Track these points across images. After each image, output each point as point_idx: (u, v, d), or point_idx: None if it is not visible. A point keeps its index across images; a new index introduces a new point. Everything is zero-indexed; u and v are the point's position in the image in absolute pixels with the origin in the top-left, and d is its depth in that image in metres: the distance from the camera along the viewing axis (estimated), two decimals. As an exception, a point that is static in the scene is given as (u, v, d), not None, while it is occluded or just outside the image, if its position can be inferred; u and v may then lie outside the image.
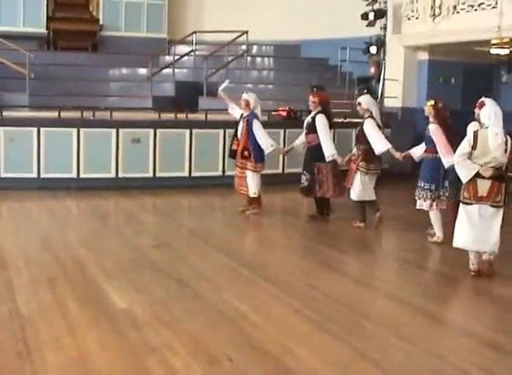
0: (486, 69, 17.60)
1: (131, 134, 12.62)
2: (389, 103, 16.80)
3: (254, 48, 21.06)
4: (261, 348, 5.41)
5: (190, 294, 6.84)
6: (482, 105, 7.72)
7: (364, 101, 10.22)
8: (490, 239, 7.61)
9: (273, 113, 14.68)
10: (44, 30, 19.56)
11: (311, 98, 10.40)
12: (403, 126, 16.39)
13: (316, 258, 8.65)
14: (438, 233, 9.42)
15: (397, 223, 10.35)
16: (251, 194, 10.72)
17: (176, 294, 6.81)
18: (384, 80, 16.93)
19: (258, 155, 10.61)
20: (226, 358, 5.18)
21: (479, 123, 7.71)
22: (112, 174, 12.75)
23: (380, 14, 16.76)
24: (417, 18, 16.04)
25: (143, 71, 18.67)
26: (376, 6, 16.85)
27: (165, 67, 18.59)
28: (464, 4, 14.74)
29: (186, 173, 13.26)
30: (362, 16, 16.90)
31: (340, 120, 14.99)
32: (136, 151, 12.75)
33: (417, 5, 15.96)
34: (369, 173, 10.11)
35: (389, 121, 15.60)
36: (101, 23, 20.34)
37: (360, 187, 10.08)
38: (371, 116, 10.10)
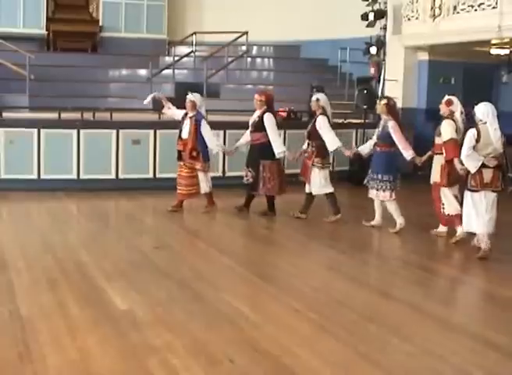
0: (486, 69, 17.59)
1: (131, 135, 12.62)
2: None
3: (254, 49, 21.05)
4: (262, 348, 5.41)
5: (191, 295, 6.83)
6: (450, 102, 9.57)
7: (322, 98, 10.60)
8: (492, 221, 8.68)
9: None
10: (43, 31, 19.56)
11: (258, 97, 10.59)
12: (403, 126, 16.36)
13: (316, 258, 8.65)
14: (399, 220, 10.03)
15: (395, 223, 10.33)
16: (204, 191, 10.82)
17: (177, 295, 6.80)
18: (384, 80, 16.92)
19: (206, 155, 10.74)
20: (227, 358, 5.17)
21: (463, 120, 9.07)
22: (112, 175, 12.75)
23: (380, 14, 16.74)
24: (417, 18, 16.02)
25: (143, 72, 18.67)
26: (376, 7, 16.82)
27: (165, 68, 18.59)
28: (464, 4, 14.72)
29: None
30: (362, 16, 16.88)
31: (340, 121, 14.99)
32: (136, 153, 12.76)
33: (417, 5, 15.94)
34: (324, 167, 10.52)
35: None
36: (100, 24, 20.33)
37: (319, 182, 10.47)
38: (325, 114, 10.46)
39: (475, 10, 14.44)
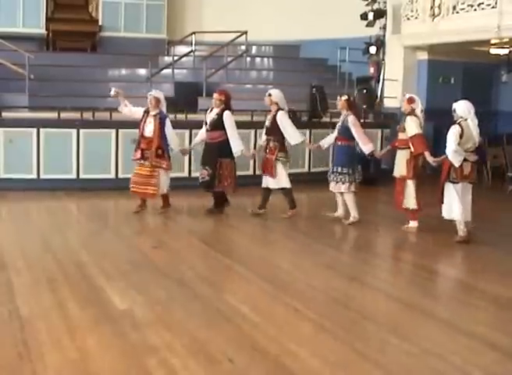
0: (486, 69, 17.60)
1: (131, 135, 12.61)
2: (388, 103, 16.79)
3: (254, 49, 21.05)
4: (261, 348, 5.41)
5: (190, 294, 6.84)
6: (412, 100, 10.07)
7: (275, 93, 10.74)
8: (468, 210, 9.35)
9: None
10: (43, 31, 19.54)
11: (218, 96, 10.71)
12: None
13: (315, 257, 8.64)
14: (353, 213, 10.41)
15: (397, 223, 10.34)
16: (162, 192, 10.74)
17: (176, 295, 6.81)
18: (383, 80, 16.93)
19: (169, 153, 10.73)
20: (226, 358, 5.17)
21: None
22: (112, 175, 12.76)
23: (379, 14, 16.76)
24: (416, 18, 16.03)
25: (142, 72, 18.64)
26: (375, 6, 16.85)
27: (165, 68, 18.56)
28: (463, 4, 14.73)
29: (185, 174, 13.26)
30: (361, 16, 16.90)
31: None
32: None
33: (417, 5, 15.95)
34: (287, 161, 10.78)
35: (388, 121, 15.65)
36: (100, 23, 20.31)
37: (283, 176, 10.66)
38: (281, 109, 10.67)
39: (475, 10, 14.45)
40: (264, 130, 10.87)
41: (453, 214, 9.32)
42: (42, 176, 12.55)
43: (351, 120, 10.25)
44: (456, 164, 9.11)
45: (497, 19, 13.74)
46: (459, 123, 9.10)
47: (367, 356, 5.32)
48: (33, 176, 12.52)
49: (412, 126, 9.86)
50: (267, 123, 10.75)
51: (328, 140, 10.77)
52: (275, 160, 10.60)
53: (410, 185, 10.02)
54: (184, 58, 19.36)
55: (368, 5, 16.88)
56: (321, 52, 19.79)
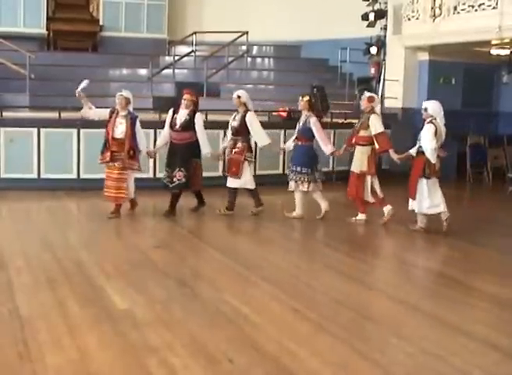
0: (487, 69, 17.61)
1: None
2: (389, 104, 16.79)
3: (254, 49, 21.05)
4: (261, 348, 5.41)
5: (190, 294, 6.83)
6: (372, 99, 10.48)
7: (243, 94, 10.82)
8: (444, 202, 9.84)
9: (273, 114, 14.69)
10: (44, 31, 19.58)
11: (190, 97, 10.61)
12: (403, 126, 16.39)
13: (315, 258, 8.65)
14: (298, 210, 10.76)
15: (397, 223, 10.34)
16: (132, 195, 10.61)
17: (176, 295, 6.81)
18: (384, 80, 16.93)
19: (139, 154, 10.57)
20: (226, 358, 5.17)
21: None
22: (150, 174, 12.75)
23: (380, 14, 16.75)
24: (417, 18, 16.03)
25: (143, 72, 18.67)
26: (376, 7, 16.84)
27: (166, 68, 18.59)
28: (464, 4, 14.72)
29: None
30: (362, 16, 16.89)
31: (341, 121, 14.99)
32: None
33: (418, 5, 15.94)
34: (252, 162, 11.03)
35: (389, 122, 15.63)
36: (101, 23, 20.35)
37: (249, 176, 10.82)
38: (249, 110, 10.77)
39: (475, 10, 14.45)
40: (230, 131, 10.88)
41: (423, 208, 9.84)
42: (42, 176, 12.55)
43: (313, 121, 10.50)
44: (434, 161, 9.65)
45: (498, 20, 13.74)
46: (433, 122, 9.66)
47: (367, 356, 5.32)
48: (34, 175, 12.52)
49: (378, 124, 10.32)
50: (235, 124, 10.77)
51: (291, 141, 10.96)
52: (243, 160, 10.69)
53: (369, 181, 10.43)
54: (185, 59, 19.40)
55: (368, 5, 16.87)
56: (322, 53, 19.79)
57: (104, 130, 10.41)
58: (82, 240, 9.19)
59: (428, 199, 9.81)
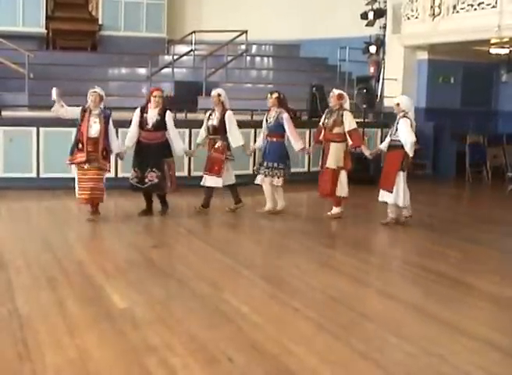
0: (486, 68, 17.61)
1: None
2: (388, 103, 16.77)
3: (254, 48, 21.05)
4: (261, 347, 5.40)
5: (190, 293, 6.83)
6: (342, 96, 10.73)
7: (223, 93, 10.88)
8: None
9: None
10: (43, 30, 19.56)
11: (161, 93, 10.50)
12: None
13: (315, 257, 8.64)
14: (269, 204, 10.95)
15: (398, 223, 10.33)
16: (104, 198, 10.27)
17: (176, 294, 6.80)
18: (383, 79, 16.94)
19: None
20: (226, 358, 5.16)
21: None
22: (112, 174, 12.71)
23: (379, 13, 16.77)
24: (416, 17, 16.04)
25: (142, 71, 18.65)
26: (376, 6, 16.86)
27: (165, 67, 18.57)
28: (463, 3, 14.74)
29: (185, 173, 13.26)
30: (362, 15, 16.91)
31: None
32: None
33: (417, 4, 15.95)
34: (233, 160, 11.00)
35: (388, 121, 15.63)
36: (100, 22, 20.33)
37: (231, 173, 10.91)
38: (227, 109, 10.80)
39: (475, 9, 14.46)
40: (206, 130, 10.82)
41: (399, 200, 10.11)
42: (42, 175, 12.55)
43: (286, 117, 10.68)
44: (412, 154, 10.01)
45: (497, 19, 13.75)
46: (406, 117, 10.00)
47: (366, 356, 5.31)
48: (33, 175, 12.52)
49: (351, 121, 10.66)
50: (214, 123, 10.73)
51: (261, 140, 11.13)
52: (225, 159, 10.71)
53: (344, 175, 10.69)
54: (184, 58, 19.37)
55: (368, 4, 16.88)
56: (321, 52, 19.80)
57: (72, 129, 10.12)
58: (81, 239, 9.20)
59: (403, 191, 10.09)
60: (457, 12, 14.92)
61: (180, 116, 13.41)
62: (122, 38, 20.15)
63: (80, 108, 10.03)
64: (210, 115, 10.88)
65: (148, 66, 17.95)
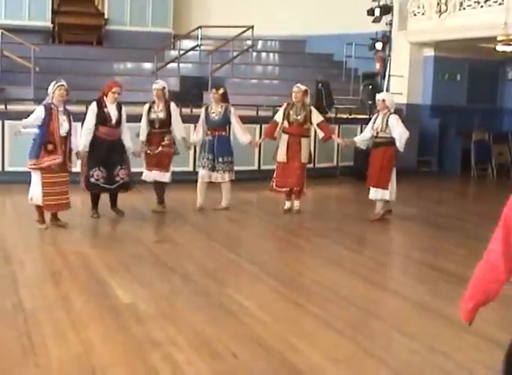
0: (492, 65, 17.58)
1: (136, 129, 12.59)
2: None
3: (260, 43, 21.01)
4: (266, 343, 5.39)
5: (194, 289, 6.83)
6: (307, 93, 10.75)
7: (167, 86, 10.81)
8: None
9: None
10: (49, 24, 19.55)
11: (120, 90, 9.97)
12: (408, 122, 16.31)
13: (321, 254, 8.63)
14: (227, 201, 10.90)
15: (404, 220, 10.34)
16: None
17: (180, 289, 6.80)
18: (389, 76, 16.90)
19: None
20: (230, 353, 5.16)
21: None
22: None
23: (386, 10, 16.72)
24: (423, 14, 16.02)
25: (148, 65, 18.64)
26: (382, 2, 16.81)
27: (170, 62, 18.56)
28: (470, 0, 14.71)
29: (190, 168, 13.25)
30: (368, 11, 16.86)
31: (345, 116, 14.99)
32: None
33: (423, 1, 15.94)
34: (178, 154, 10.86)
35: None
36: (106, 17, 20.31)
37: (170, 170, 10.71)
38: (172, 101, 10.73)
39: (481, 6, 14.44)
40: (149, 124, 10.53)
41: (393, 195, 10.32)
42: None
43: (233, 111, 10.69)
44: (403, 149, 10.27)
45: (504, 16, 13.72)
46: (394, 113, 10.37)
47: (371, 353, 5.30)
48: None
49: (318, 114, 10.82)
50: (161, 116, 10.45)
51: (202, 135, 10.76)
52: (172, 154, 10.60)
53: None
54: (190, 53, 19.37)
55: (374, 0, 16.83)
56: (327, 48, 19.77)
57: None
58: (85, 233, 9.20)
59: (395, 187, 10.34)
60: (464, 9, 14.90)
61: (186, 111, 13.40)
62: (128, 33, 20.13)
63: (41, 108, 9.14)
64: (150, 108, 10.54)
65: (154, 60, 17.94)
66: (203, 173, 10.70)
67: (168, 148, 10.52)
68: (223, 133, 10.71)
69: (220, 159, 10.61)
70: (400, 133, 10.11)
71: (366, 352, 5.32)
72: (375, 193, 10.33)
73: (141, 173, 10.68)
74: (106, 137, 9.88)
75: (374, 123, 10.40)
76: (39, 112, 9.09)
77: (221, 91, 10.72)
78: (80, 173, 10.08)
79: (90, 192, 10.20)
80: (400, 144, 10.13)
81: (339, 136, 12.67)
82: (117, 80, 10.85)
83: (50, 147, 9.02)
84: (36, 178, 9.10)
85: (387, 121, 10.18)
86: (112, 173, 9.94)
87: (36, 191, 9.08)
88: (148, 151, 10.49)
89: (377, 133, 10.30)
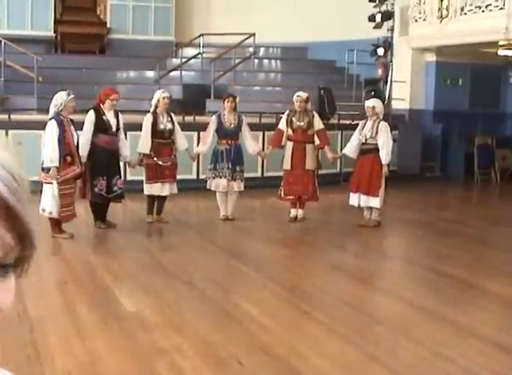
0: (494, 70, 17.59)
1: (138, 137, 12.62)
2: (396, 105, 16.78)
3: (262, 51, 21.03)
4: (271, 350, 5.40)
5: (199, 296, 6.84)
6: (309, 99, 10.74)
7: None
8: None
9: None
10: (51, 34, 19.60)
11: (117, 96, 9.91)
12: (410, 128, 16.40)
13: (326, 260, 8.64)
14: (233, 211, 10.67)
15: (407, 225, 10.34)
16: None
17: (185, 297, 6.81)
18: (391, 82, 16.91)
19: None
20: (235, 360, 5.16)
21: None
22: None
23: (387, 16, 16.73)
24: (424, 20, 16.03)
25: (150, 74, 18.68)
26: (383, 8, 16.82)
27: (173, 70, 18.60)
28: (471, 5, 14.72)
29: (194, 176, 13.26)
30: (369, 17, 16.87)
31: (348, 122, 14.99)
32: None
33: (425, 6, 15.95)
34: None
35: (396, 123, 15.63)
36: (108, 26, 20.35)
37: None
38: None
39: (482, 11, 14.45)
40: (162, 135, 10.20)
41: (377, 202, 10.19)
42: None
43: (245, 120, 10.73)
44: (387, 162, 10.19)
45: (505, 21, 13.74)
46: (385, 121, 10.43)
47: (377, 358, 5.30)
48: (42, 178, 12.52)
49: (320, 121, 10.73)
50: (170, 126, 10.25)
51: (207, 146, 10.68)
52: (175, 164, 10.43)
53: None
54: (192, 61, 19.40)
55: (375, 6, 16.85)
56: (329, 54, 19.79)
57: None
58: (90, 242, 9.22)
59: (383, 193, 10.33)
60: (465, 14, 14.91)
61: (188, 119, 13.43)
62: (131, 41, 20.16)
63: (54, 123, 9.06)
64: (155, 119, 10.20)
65: (156, 69, 17.98)
66: (223, 183, 10.43)
67: (175, 159, 10.39)
68: (237, 143, 10.59)
69: (238, 168, 10.50)
70: (386, 143, 10.07)
71: (371, 358, 5.32)
72: (364, 200, 10.23)
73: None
74: (106, 145, 9.70)
75: (362, 129, 10.36)
76: (54, 129, 8.94)
77: (237, 99, 10.68)
78: (80, 184, 9.77)
79: (94, 202, 9.99)
80: (383, 153, 10.04)
81: (342, 142, 12.67)
82: (113, 88, 10.70)
83: (69, 159, 8.96)
84: (49, 190, 8.90)
85: (377, 128, 10.16)
86: (111, 182, 9.73)
87: (51, 203, 8.91)
88: (160, 163, 10.14)
89: (365, 139, 10.24)
